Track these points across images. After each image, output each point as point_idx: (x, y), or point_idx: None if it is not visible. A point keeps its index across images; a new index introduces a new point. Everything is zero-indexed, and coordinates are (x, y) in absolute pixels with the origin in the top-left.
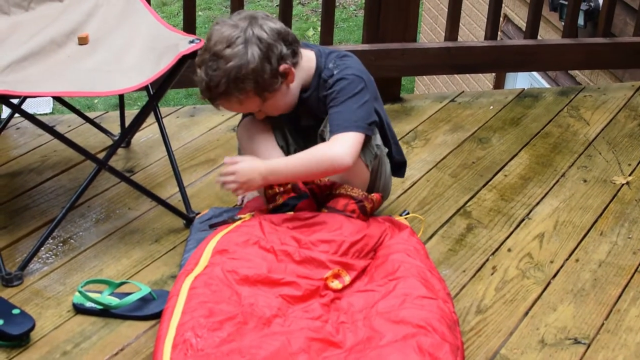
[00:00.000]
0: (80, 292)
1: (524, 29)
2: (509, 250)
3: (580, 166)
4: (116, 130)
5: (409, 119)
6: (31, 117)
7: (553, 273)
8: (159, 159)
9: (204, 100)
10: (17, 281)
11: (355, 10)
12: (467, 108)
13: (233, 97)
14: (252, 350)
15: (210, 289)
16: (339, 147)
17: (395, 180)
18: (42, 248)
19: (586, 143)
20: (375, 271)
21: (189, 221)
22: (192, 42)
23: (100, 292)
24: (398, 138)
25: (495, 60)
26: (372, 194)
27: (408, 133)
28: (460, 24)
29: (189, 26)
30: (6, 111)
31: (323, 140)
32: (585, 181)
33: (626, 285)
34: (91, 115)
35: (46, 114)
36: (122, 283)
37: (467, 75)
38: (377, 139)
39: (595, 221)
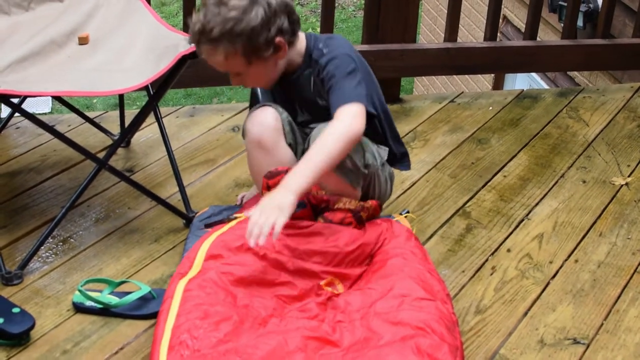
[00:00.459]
0: (80, 291)
1: (523, 30)
2: (508, 250)
3: (579, 167)
4: (116, 130)
5: (409, 120)
6: (31, 117)
7: (552, 273)
8: (159, 158)
9: (202, 100)
10: (17, 280)
11: (354, 10)
12: (466, 109)
13: (221, 47)
14: (249, 350)
15: (204, 291)
16: (348, 118)
17: (395, 181)
18: (42, 247)
19: (585, 144)
20: (372, 276)
21: (188, 221)
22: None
23: (100, 291)
24: None
25: (495, 61)
26: (369, 202)
27: (407, 134)
28: (459, 25)
29: (189, 26)
30: (5, 110)
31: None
32: (584, 182)
33: (625, 286)
34: (91, 114)
35: (45, 114)
36: (122, 282)
37: (466, 76)
38: (368, 157)
39: (595, 222)
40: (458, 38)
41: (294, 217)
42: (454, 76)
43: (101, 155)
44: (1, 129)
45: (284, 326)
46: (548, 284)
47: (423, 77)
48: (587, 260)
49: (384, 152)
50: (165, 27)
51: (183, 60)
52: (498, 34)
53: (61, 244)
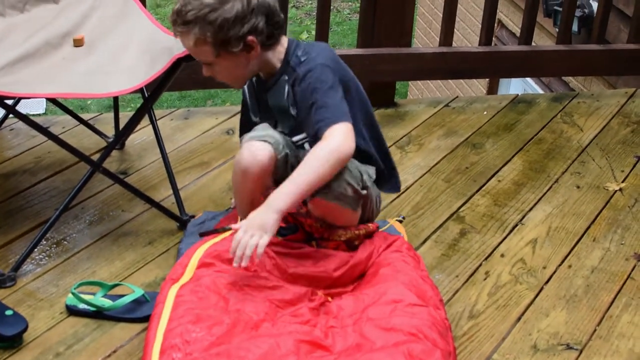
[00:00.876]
0: (73, 293)
1: (518, 34)
2: (502, 255)
3: (573, 172)
4: (110, 131)
5: (403, 124)
6: (25, 119)
7: (546, 279)
8: (153, 161)
9: (197, 102)
10: (10, 282)
11: (349, 14)
12: (461, 113)
13: (192, 33)
14: (241, 353)
15: (197, 296)
16: (339, 137)
17: None
18: (36, 249)
19: (579, 149)
20: (365, 285)
21: (182, 223)
22: None
23: (93, 294)
24: (392, 142)
25: (490, 65)
26: (369, 226)
27: (402, 138)
28: (454, 29)
29: None
30: None
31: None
32: (578, 187)
33: (618, 292)
34: (85, 116)
35: (39, 115)
36: (115, 285)
37: (461, 80)
38: (365, 179)
39: (588, 227)
40: (453, 42)
41: (285, 239)
42: (449, 80)
43: (95, 157)
44: None
45: (277, 330)
46: (541, 289)
47: (418, 81)
48: (580, 266)
49: (372, 170)
50: (160, 29)
51: (178, 63)
52: (493, 39)
53: (55, 246)
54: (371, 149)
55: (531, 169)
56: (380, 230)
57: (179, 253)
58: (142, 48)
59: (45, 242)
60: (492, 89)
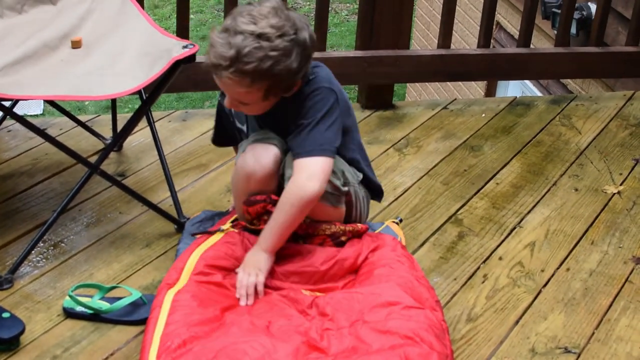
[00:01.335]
0: (70, 296)
1: (516, 36)
2: (500, 258)
3: (571, 175)
4: (108, 133)
5: (401, 126)
6: (23, 120)
7: (544, 282)
8: (151, 163)
9: (195, 103)
10: (7, 284)
11: (347, 15)
12: (459, 115)
13: (246, 80)
14: (238, 355)
15: (193, 300)
16: (303, 178)
17: (386, 187)
18: (33, 251)
19: (578, 152)
20: (359, 285)
21: (180, 226)
22: (185, 47)
23: (90, 297)
24: (390, 145)
25: (488, 68)
26: (358, 225)
27: (400, 140)
28: (453, 32)
29: (183, 31)
30: None
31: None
32: (576, 190)
33: (617, 295)
34: (83, 118)
35: (37, 116)
36: (113, 287)
37: (459, 82)
38: (347, 176)
39: (587, 230)
40: (451, 44)
41: None
42: (447, 83)
43: (93, 159)
44: None
45: (273, 331)
46: (540, 292)
47: (416, 83)
48: (578, 269)
49: (358, 172)
50: (158, 31)
51: (176, 65)
52: (491, 41)
53: (52, 248)
54: (358, 158)
55: (529, 171)
56: (376, 231)
57: (177, 254)
58: (140, 50)
59: (42, 244)
60: (490, 92)
